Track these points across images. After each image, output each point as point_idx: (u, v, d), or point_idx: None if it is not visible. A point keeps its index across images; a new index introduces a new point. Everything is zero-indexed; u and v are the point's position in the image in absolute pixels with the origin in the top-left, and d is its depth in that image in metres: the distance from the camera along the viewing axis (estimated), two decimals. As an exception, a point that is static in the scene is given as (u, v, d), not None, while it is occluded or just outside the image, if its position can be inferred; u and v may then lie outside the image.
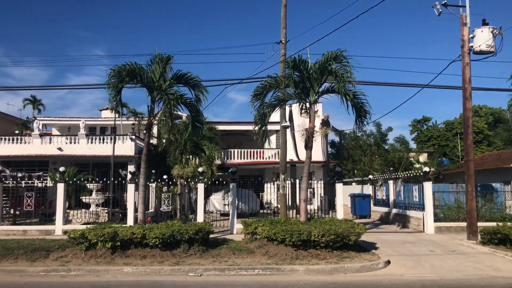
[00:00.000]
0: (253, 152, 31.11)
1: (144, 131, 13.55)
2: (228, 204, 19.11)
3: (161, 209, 18.80)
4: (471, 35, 15.39)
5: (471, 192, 14.95)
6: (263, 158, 30.88)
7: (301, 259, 10.82)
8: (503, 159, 25.59)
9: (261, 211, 25.26)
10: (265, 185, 27.71)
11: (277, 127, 22.28)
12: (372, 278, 9.62)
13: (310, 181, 23.59)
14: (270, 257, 11.00)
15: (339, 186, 17.06)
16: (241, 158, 30.81)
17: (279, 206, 18.00)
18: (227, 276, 9.91)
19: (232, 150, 30.90)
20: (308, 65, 12.45)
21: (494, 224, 14.70)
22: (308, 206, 24.95)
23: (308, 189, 24.67)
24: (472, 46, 15.30)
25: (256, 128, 13.25)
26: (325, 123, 31.62)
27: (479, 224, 15.64)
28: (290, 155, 25.96)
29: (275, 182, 23.12)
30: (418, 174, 19.52)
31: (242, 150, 30.88)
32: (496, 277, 9.59)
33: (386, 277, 9.70)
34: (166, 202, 18.18)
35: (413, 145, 53.33)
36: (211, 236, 14.10)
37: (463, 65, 15.30)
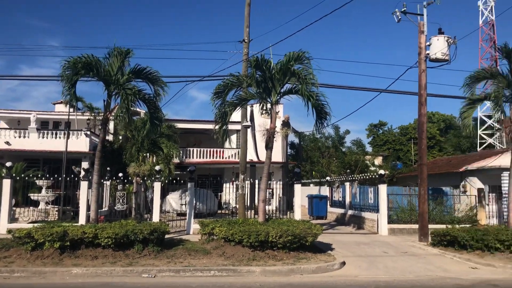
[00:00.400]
0: (213, 151, 30.69)
1: (100, 127, 13.02)
2: (185, 204, 18.78)
3: (115, 208, 18.18)
4: (427, 43, 15.90)
5: (423, 195, 15.43)
6: (222, 158, 30.58)
7: (258, 260, 10.72)
8: (453, 164, 26.64)
9: (220, 211, 25.05)
10: (224, 185, 27.47)
11: (238, 126, 22.14)
12: (327, 279, 9.66)
13: (270, 182, 23.69)
14: (227, 258, 10.84)
15: (297, 187, 17.13)
16: (200, 157, 30.33)
17: (237, 206, 17.86)
18: (182, 278, 9.65)
19: (191, 149, 30.36)
20: (271, 65, 12.38)
21: (443, 226, 15.25)
22: (267, 207, 25.22)
23: (267, 190, 24.93)
24: (428, 54, 15.81)
25: (217, 127, 13.03)
26: (286, 124, 31.84)
27: (430, 226, 16.15)
28: (250, 155, 25.88)
29: (234, 182, 22.99)
30: (373, 176, 19.98)
31: (202, 149, 30.38)
32: (445, 278, 9.89)
33: (342, 278, 9.78)
34: (121, 200, 17.61)
35: (369, 148, 54.86)
36: (167, 236, 13.71)
37: (420, 71, 15.76)
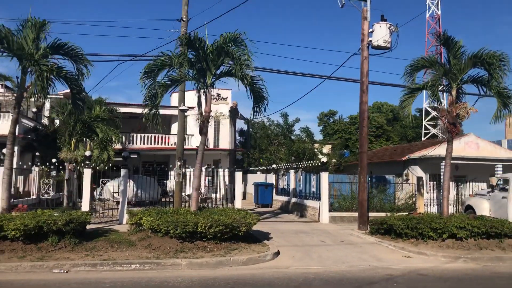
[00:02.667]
0: (158, 137, 29.69)
1: (20, 107, 11.76)
2: (118, 192, 17.82)
3: (42, 196, 16.86)
4: (370, 30, 15.62)
5: (363, 183, 15.27)
6: (168, 144, 29.54)
7: (186, 252, 10.00)
8: (397, 153, 27.08)
9: (164, 199, 24.24)
10: (170, 172, 26.58)
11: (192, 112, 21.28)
12: (256, 271, 9.10)
13: (217, 169, 23.04)
14: (152, 250, 10.03)
15: (238, 175, 16.62)
16: (144, 143, 29.25)
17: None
18: (98, 272, 8.76)
19: (135, 135, 29.17)
20: (205, 45, 11.58)
21: (383, 214, 15.21)
22: (214, 195, 24.62)
23: (207, 177, 24.28)
24: (371, 41, 15.54)
25: (146, 110, 12.15)
26: (234, 110, 31.24)
27: (371, 214, 16.13)
28: (198, 142, 25.15)
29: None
30: (317, 164, 19.75)
31: (146, 135, 29.24)
32: (377, 268, 9.61)
33: (271, 270, 9.26)
34: (47, 188, 16.34)
35: (320, 136, 55.34)
36: (93, 226, 12.79)
37: (362, 58, 15.49)
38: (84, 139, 19.60)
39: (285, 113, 37.90)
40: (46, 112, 25.34)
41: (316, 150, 32.96)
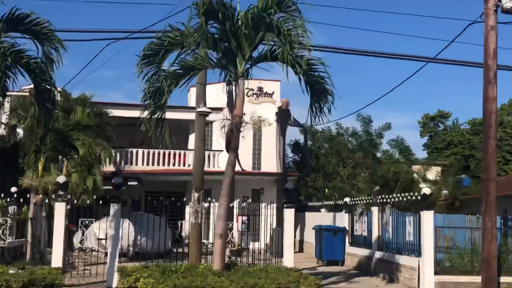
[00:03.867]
0: (170, 154, 29.72)
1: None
2: (105, 239, 18.11)
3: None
4: (500, -17, 15.19)
5: (490, 229, 14.64)
6: (185, 165, 29.61)
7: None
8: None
9: (177, 250, 24.42)
10: (187, 208, 26.80)
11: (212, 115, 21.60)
12: None
13: (255, 204, 22.97)
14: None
15: (289, 214, 16.52)
16: (149, 164, 29.40)
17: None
18: None
19: (136, 150, 29.40)
20: (235, 13, 11.72)
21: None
22: (252, 245, 24.50)
23: (241, 218, 24.24)
24: (500, 1, 15.11)
25: (146, 113, 12.34)
26: (283, 113, 31.00)
27: (505, 279, 15.51)
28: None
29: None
30: (416, 198, 19.26)
31: (152, 152, 29.30)
32: None
33: None
34: (1, 232, 16.96)
35: (423, 153, 54.08)
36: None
37: (486, 29, 15.00)
38: (59, 158, 20.18)
39: (366, 116, 37.21)
40: (4, 118, 26.29)
41: (415, 175, 32.20)
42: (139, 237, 22.13)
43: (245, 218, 24.01)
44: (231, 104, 13.40)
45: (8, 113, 25.68)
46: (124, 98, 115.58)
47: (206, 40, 11.64)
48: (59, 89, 20.08)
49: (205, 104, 16.43)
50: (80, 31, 16.96)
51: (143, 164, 29.45)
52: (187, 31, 11.95)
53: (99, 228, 22.68)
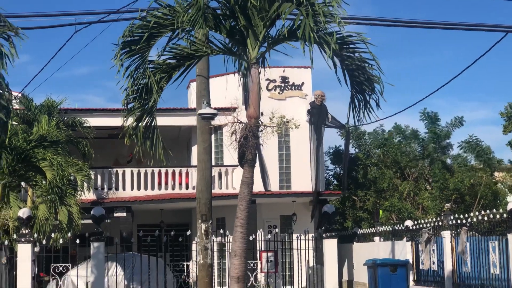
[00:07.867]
0: (167, 173, 29.16)
1: None
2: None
3: None
4: None
5: None
6: (188, 187, 28.85)
7: None
8: None
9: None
10: (193, 244, 26.84)
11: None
12: None
13: (284, 235, 22.84)
14: None
15: (331, 245, 16.51)
16: (141, 188, 28.68)
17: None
18: None
19: (123, 170, 28.97)
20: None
21: None
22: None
23: (266, 253, 24.08)
24: None
25: (130, 120, 12.32)
26: (318, 110, 30.59)
27: None
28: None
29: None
30: (499, 216, 19.18)
31: (144, 171, 28.78)
32: None
33: None
34: None
35: (508, 155, 53.69)
36: None
37: None
38: (21, 185, 20.32)
39: (431, 113, 36.96)
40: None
41: (500, 185, 32.03)
42: (131, 286, 22.14)
43: (271, 254, 23.89)
44: (247, 101, 13.36)
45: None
46: (106, 101, 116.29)
47: (203, 18, 11.52)
48: (15, 93, 20.27)
49: (209, 103, 16.29)
50: (40, 15, 16.92)
51: (132, 189, 28.55)
52: (179, 6, 11.96)
53: (78, 276, 22.76)
